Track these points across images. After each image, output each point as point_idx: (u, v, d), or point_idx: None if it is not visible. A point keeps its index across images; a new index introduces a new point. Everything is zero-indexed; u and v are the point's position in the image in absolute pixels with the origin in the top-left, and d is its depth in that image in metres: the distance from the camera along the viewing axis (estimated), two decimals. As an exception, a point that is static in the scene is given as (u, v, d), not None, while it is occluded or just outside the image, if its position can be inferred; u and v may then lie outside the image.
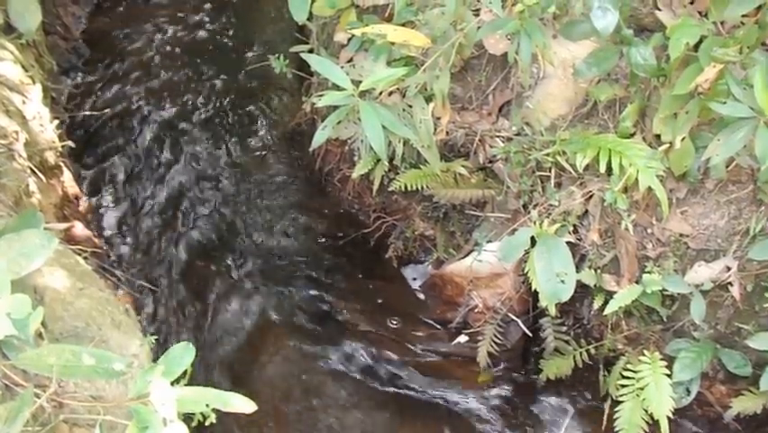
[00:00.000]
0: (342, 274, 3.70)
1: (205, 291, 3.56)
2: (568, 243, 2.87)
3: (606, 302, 2.84)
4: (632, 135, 2.86)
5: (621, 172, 2.74)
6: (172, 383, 1.49)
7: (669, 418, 2.68)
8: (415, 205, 3.60)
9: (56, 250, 1.80)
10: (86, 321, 2.05)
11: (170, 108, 4.45)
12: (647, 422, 2.77)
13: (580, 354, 3.13)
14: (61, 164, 3.43)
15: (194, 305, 3.49)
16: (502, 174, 3.18)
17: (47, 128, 3.32)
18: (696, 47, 2.45)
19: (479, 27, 2.84)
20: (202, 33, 4.92)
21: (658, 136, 2.77)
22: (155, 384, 1.45)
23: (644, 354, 2.84)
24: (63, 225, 3.04)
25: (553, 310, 2.93)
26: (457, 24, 2.86)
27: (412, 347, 3.38)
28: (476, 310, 3.26)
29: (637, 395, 2.79)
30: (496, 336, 3.19)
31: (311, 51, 3.69)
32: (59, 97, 4.22)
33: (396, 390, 3.25)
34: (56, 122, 3.47)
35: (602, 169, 2.78)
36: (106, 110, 4.36)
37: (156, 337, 2.63)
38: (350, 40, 3.38)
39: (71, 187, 3.53)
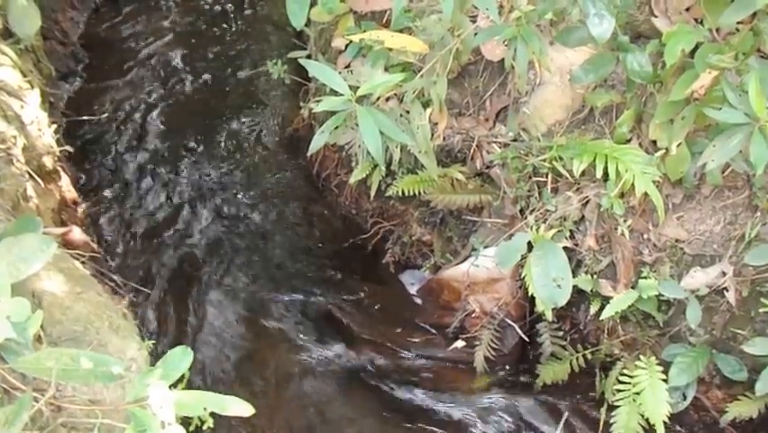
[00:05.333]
0: (339, 279, 3.70)
1: (203, 296, 3.56)
2: (564, 248, 2.88)
3: (602, 307, 2.85)
4: (628, 141, 2.87)
5: (617, 178, 2.75)
6: (170, 387, 1.50)
7: (665, 422, 2.69)
8: (412, 210, 3.61)
9: (54, 254, 1.80)
10: (84, 325, 2.06)
11: (168, 113, 4.46)
12: (643, 427, 2.78)
13: (577, 358, 3.14)
14: (59, 169, 3.43)
15: (191, 309, 3.49)
16: (499, 180, 3.18)
17: (45, 133, 3.32)
18: (692, 53, 2.46)
19: (476, 33, 2.85)
20: (200, 39, 4.94)
21: (654, 142, 2.78)
22: (153, 388, 1.45)
23: (640, 359, 2.85)
24: (61, 230, 3.04)
25: (549, 315, 2.93)
26: (454, 31, 2.87)
27: (409, 352, 3.39)
28: (473, 315, 3.26)
29: (634, 400, 2.79)
30: (493, 341, 3.20)
31: (309, 57, 3.70)
32: (58, 102, 4.22)
33: (392, 394, 3.24)
34: (54, 127, 3.47)
35: (599, 174, 2.79)
36: (104, 115, 4.37)
37: (154, 341, 2.63)
38: (347, 45, 3.40)
39: (69, 191, 3.53)
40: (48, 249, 1.77)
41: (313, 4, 2.71)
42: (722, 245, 2.77)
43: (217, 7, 5.16)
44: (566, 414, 3.08)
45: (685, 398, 2.84)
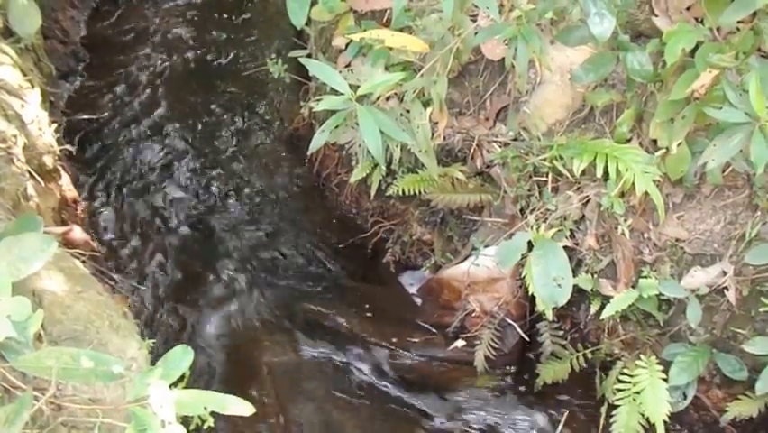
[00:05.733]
0: (339, 279, 3.71)
1: (203, 295, 3.56)
2: (565, 247, 2.88)
3: (602, 307, 2.85)
4: (629, 140, 2.87)
5: (618, 177, 2.75)
6: (170, 386, 1.50)
7: (665, 422, 2.69)
8: (412, 209, 3.61)
9: (54, 253, 1.80)
10: (84, 324, 2.06)
11: (169, 112, 4.46)
12: (644, 426, 2.78)
13: (577, 358, 3.14)
14: (60, 168, 3.43)
15: (191, 308, 3.49)
16: (499, 179, 3.18)
17: (45, 132, 3.32)
18: (692, 53, 2.46)
19: (476, 32, 2.85)
20: (201, 38, 4.93)
21: (654, 141, 2.78)
22: (153, 387, 1.46)
23: (640, 359, 2.85)
24: (61, 229, 3.04)
25: (549, 315, 2.93)
26: (455, 30, 2.87)
27: (409, 352, 3.38)
28: (473, 315, 3.26)
29: (634, 399, 2.79)
30: (493, 341, 3.19)
31: (309, 56, 3.70)
32: (58, 101, 4.22)
33: (392, 394, 3.25)
34: (54, 126, 3.47)
35: (599, 174, 2.79)
36: (105, 114, 4.37)
37: (154, 340, 2.63)
38: (348, 45, 3.40)
39: (69, 191, 3.53)
40: (48, 248, 1.77)
41: (313, 3, 2.71)
42: (722, 245, 2.77)
43: (218, 7, 5.16)
44: (566, 413, 3.08)
45: (685, 397, 2.84)
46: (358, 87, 2.55)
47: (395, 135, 2.67)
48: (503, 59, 3.00)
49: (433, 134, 3.06)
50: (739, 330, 2.79)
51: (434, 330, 3.43)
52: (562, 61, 2.99)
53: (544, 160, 2.98)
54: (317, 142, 2.73)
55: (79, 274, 2.35)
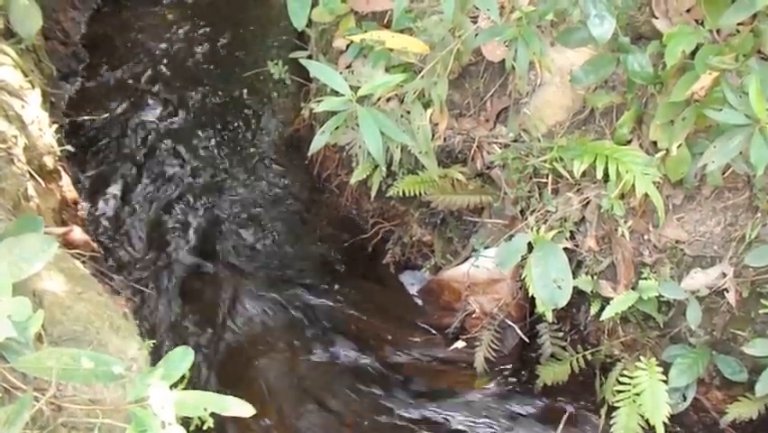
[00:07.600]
0: (339, 280, 3.70)
1: (203, 296, 3.56)
2: (565, 249, 2.88)
3: (602, 308, 2.85)
4: (629, 142, 2.87)
5: (618, 179, 2.75)
6: (171, 387, 1.50)
7: (665, 423, 2.69)
8: (412, 211, 3.61)
9: (55, 254, 1.80)
10: (84, 325, 2.06)
11: (169, 113, 4.46)
12: (643, 428, 2.78)
13: (577, 359, 3.14)
14: (60, 169, 3.43)
15: (192, 309, 3.49)
16: (499, 180, 3.18)
17: (46, 133, 3.32)
18: (692, 55, 2.47)
19: (477, 34, 2.85)
20: (201, 39, 4.94)
21: (655, 143, 2.78)
22: (154, 388, 1.45)
23: (640, 360, 2.84)
24: (62, 230, 3.04)
25: (549, 316, 2.93)
26: (455, 31, 2.87)
27: (409, 353, 3.39)
28: (473, 316, 3.27)
29: (633, 401, 2.79)
30: (493, 342, 3.20)
31: (310, 57, 3.70)
32: (59, 102, 4.23)
33: (392, 395, 3.25)
34: (55, 126, 3.47)
35: (599, 175, 2.80)
36: (105, 115, 4.37)
37: (154, 342, 2.63)
38: (348, 46, 3.40)
39: (70, 191, 3.53)
40: (49, 249, 1.77)
41: (314, 5, 2.72)
42: (722, 246, 2.77)
43: (218, 8, 5.16)
44: (566, 415, 3.08)
45: (685, 399, 2.84)
46: (358, 88, 2.55)
47: (395, 137, 2.67)
48: (503, 60, 3.00)
49: (433, 136, 3.06)
50: (739, 332, 2.79)
51: (434, 331, 3.43)
52: (563, 63, 2.99)
53: (545, 161, 2.98)
54: (318, 143, 2.73)
55: (80, 275, 2.36)
